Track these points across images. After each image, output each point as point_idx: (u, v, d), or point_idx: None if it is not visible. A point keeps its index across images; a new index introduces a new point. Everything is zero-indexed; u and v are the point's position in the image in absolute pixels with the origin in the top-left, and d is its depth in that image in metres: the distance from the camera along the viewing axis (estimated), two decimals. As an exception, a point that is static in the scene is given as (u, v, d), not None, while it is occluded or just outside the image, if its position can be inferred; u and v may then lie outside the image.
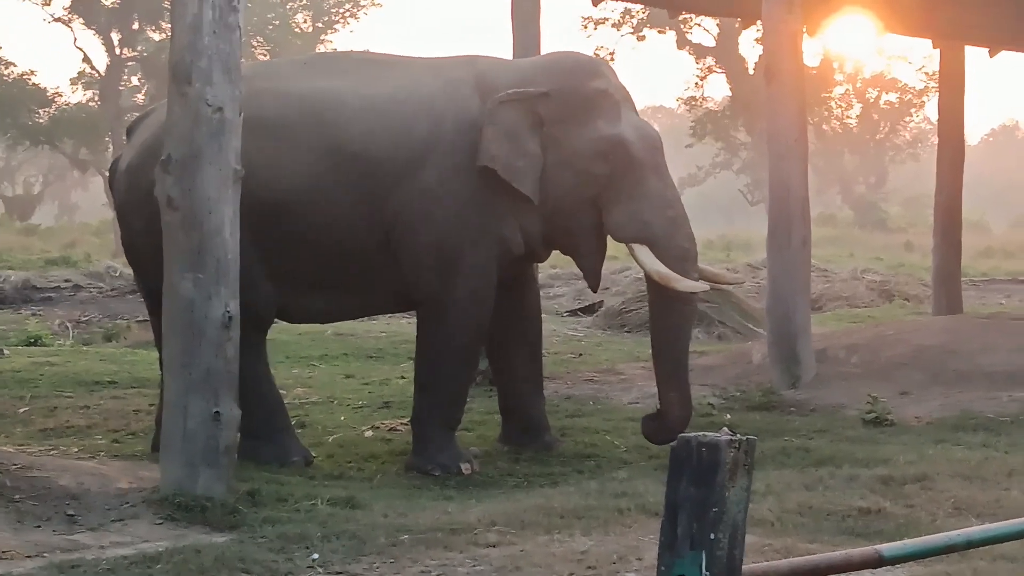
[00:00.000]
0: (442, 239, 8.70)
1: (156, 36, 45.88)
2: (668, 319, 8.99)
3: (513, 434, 9.48)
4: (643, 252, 8.82)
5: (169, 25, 7.79)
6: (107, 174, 9.57)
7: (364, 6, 53.36)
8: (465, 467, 8.68)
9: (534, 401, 9.52)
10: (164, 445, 7.26)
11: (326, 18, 53.62)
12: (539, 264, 10.29)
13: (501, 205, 8.75)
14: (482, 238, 8.76)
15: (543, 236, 8.96)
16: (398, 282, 8.86)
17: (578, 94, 8.88)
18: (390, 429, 9.91)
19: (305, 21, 53.50)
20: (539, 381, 9.64)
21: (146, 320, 17.13)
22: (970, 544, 3.60)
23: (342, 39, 54.66)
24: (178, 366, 7.18)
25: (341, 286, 8.97)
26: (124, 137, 9.74)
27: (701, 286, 8.94)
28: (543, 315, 9.99)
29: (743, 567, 2.89)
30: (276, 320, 9.33)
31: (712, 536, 2.81)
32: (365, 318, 14.96)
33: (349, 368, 13.57)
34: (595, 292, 10.46)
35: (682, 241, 8.88)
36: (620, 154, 8.81)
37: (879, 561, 3.29)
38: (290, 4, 52.99)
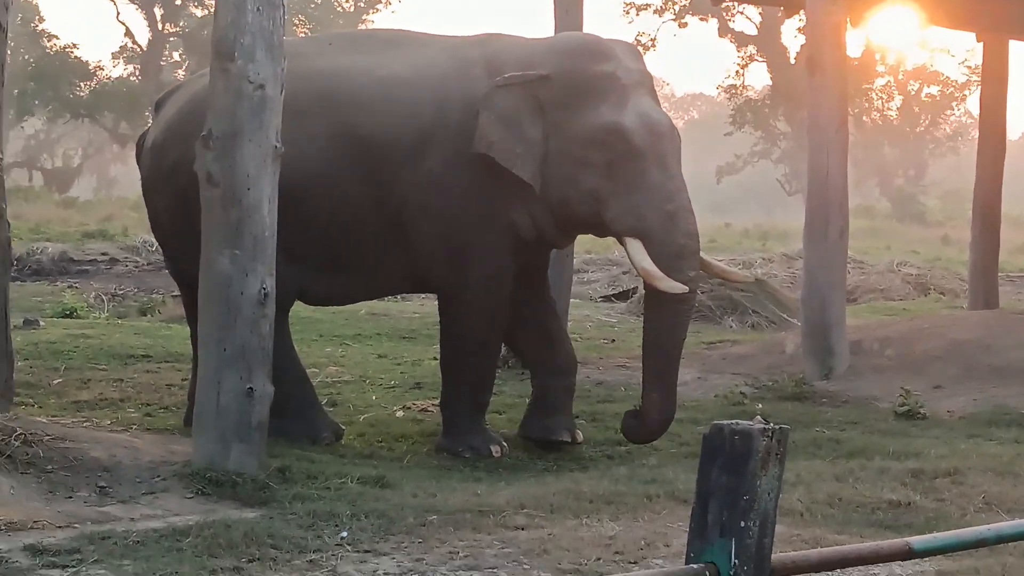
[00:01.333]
0: (448, 227, 8.61)
1: (198, 12, 46.06)
2: (660, 316, 8.60)
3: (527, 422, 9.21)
4: (634, 247, 8.43)
5: (212, 1, 7.80)
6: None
7: (406, -14, 53.35)
8: (495, 449, 8.64)
9: (545, 378, 9.13)
10: (197, 419, 7.29)
11: (369, -3, 53.62)
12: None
13: (507, 190, 8.52)
14: (489, 225, 8.61)
15: (554, 223, 8.70)
16: (411, 266, 8.82)
17: (581, 77, 8.53)
18: (421, 410, 9.93)
19: (347, 0, 53.50)
20: (557, 362, 9.19)
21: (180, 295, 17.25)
22: (1000, 539, 3.60)
23: (384, 18, 54.72)
24: (213, 341, 7.21)
25: (354, 268, 8.94)
26: (152, 112, 9.75)
27: (681, 288, 8.32)
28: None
29: (772, 556, 2.88)
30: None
31: (742, 524, 2.81)
32: (388, 299, 14.95)
33: (382, 348, 13.59)
34: None
35: (678, 237, 8.41)
36: (619, 143, 8.42)
37: (909, 553, 3.29)
38: (333, -18, 53.01)
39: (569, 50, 8.74)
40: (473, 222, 8.59)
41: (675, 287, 8.29)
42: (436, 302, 9.34)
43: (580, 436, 9.08)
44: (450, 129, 8.56)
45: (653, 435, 8.70)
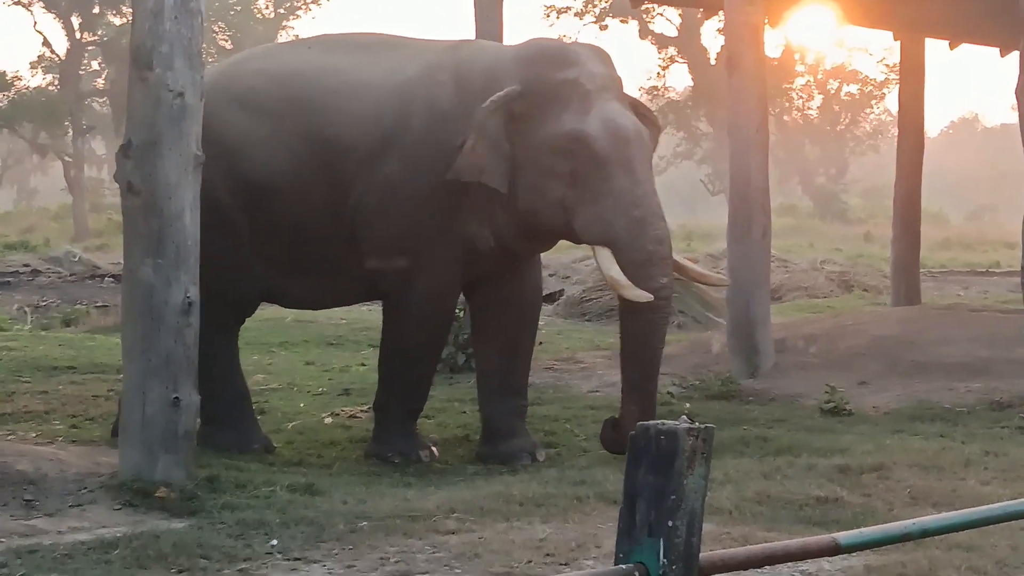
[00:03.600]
0: (400, 236, 8.44)
1: (117, 20, 45.70)
2: (633, 326, 8.44)
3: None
4: (603, 255, 8.27)
5: (130, 10, 7.74)
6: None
7: (326, -8, 53.21)
8: (424, 454, 8.58)
9: (491, 400, 8.90)
10: (123, 431, 7.23)
11: (288, 4, 53.42)
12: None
13: (468, 201, 8.36)
14: (443, 235, 8.43)
15: (520, 233, 8.50)
16: (369, 271, 8.69)
17: (544, 86, 8.32)
18: (350, 416, 9.90)
19: (267, 7, 53.31)
20: (508, 380, 8.94)
21: (105, 305, 17.13)
22: (926, 533, 3.63)
23: (304, 25, 54.53)
24: (137, 352, 7.15)
25: (322, 273, 8.87)
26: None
27: (645, 296, 8.09)
28: None
29: (700, 555, 2.89)
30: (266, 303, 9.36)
31: (670, 524, 2.82)
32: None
33: (309, 355, 13.55)
34: None
35: (646, 244, 8.22)
36: (582, 150, 8.21)
37: (836, 549, 3.31)
38: (252, -10, 52.78)
39: (531, 58, 8.48)
40: (427, 232, 8.41)
41: (640, 296, 8.10)
42: (364, 308, 9.33)
43: (542, 455, 8.77)
44: (411, 135, 8.41)
45: None
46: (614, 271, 8.17)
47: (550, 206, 8.32)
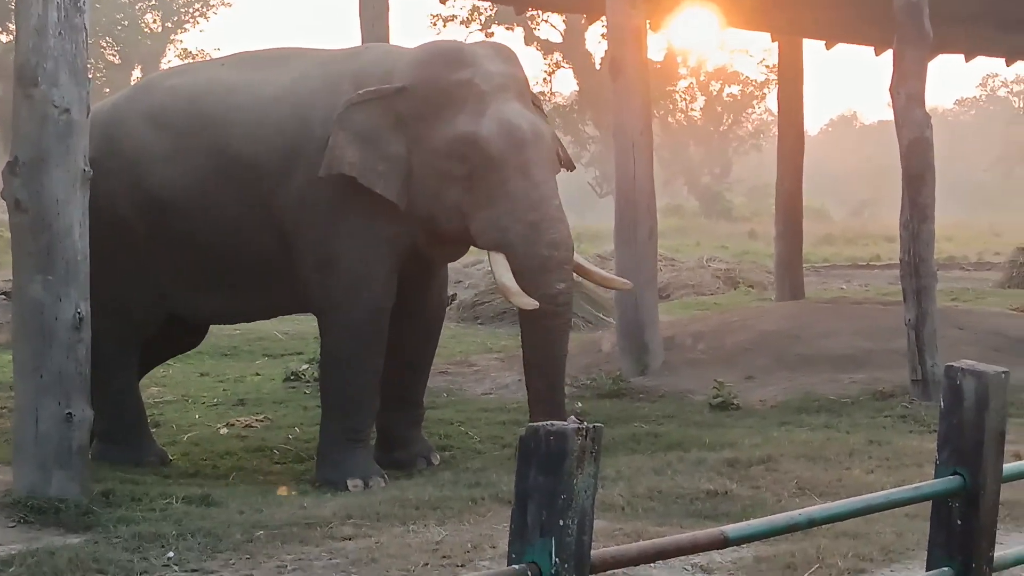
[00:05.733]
0: (317, 246, 8.18)
1: (3, 37, 45.02)
2: (531, 334, 8.12)
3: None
4: (497, 261, 7.97)
5: (15, 27, 7.64)
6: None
7: (214, 6, 52.91)
8: (378, 481, 8.04)
9: (389, 409, 8.54)
10: (16, 448, 7.15)
11: (176, 18, 53.02)
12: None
13: (375, 205, 8.01)
14: (359, 242, 8.12)
15: (425, 239, 8.22)
16: (295, 283, 8.39)
17: (437, 87, 8.02)
18: (245, 426, 9.84)
19: (155, 21, 52.88)
20: (407, 393, 8.75)
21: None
22: (812, 523, 3.66)
23: (192, 39, 54.19)
24: (29, 369, 7.06)
25: (238, 286, 8.64)
26: None
27: (531, 303, 7.81)
28: None
29: (592, 552, 2.90)
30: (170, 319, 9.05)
31: (561, 523, 2.83)
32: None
33: (203, 366, 13.41)
34: None
35: (541, 249, 7.89)
36: (476, 153, 7.91)
37: (724, 542, 3.34)
38: (139, 4, 52.31)
39: (426, 59, 8.19)
40: (341, 237, 8.13)
41: (528, 303, 7.84)
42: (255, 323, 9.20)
43: (437, 458, 8.67)
44: (313, 144, 8.08)
45: None
46: (506, 277, 7.93)
47: (447, 211, 8.04)
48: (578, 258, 8.28)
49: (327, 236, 8.17)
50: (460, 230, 8.10)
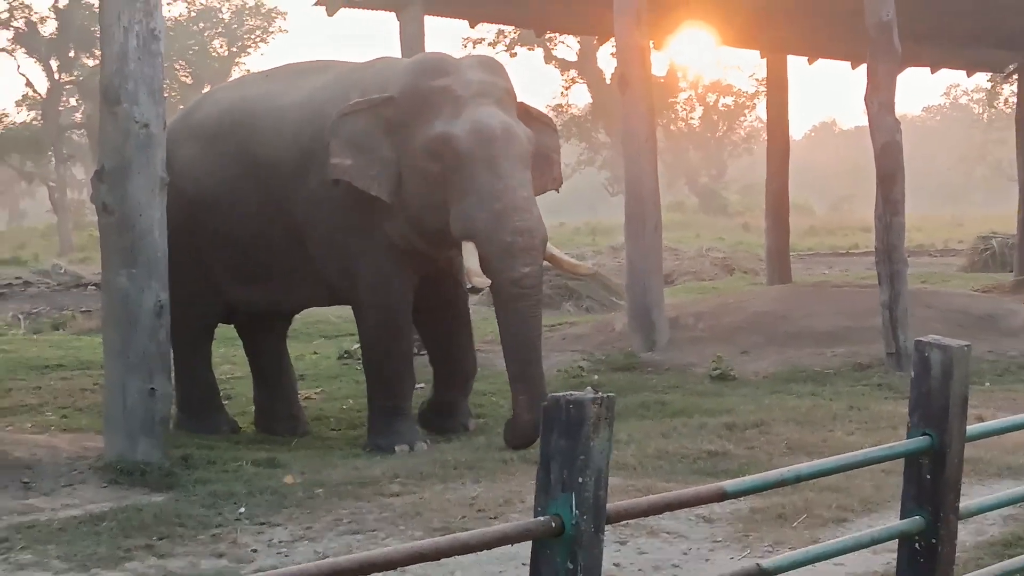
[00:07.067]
0: (332, 242, 8.12)
1: (90, 62, 45.08)
2: (504, 317, 7.77)
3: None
4: (466, 249, 7.68)
5: (100, 53, 7.66)
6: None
7: (272, 32, 52.78)
8: (421, 445, 7.90)
9: (443, 382, 8.58)
10: (106, 419, 7.19)
11: (240, 43, 52.96)
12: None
13: (376, 205, 7.87)
14: (368, 235, 7.98)
15: (419, 236, 7.98)
16: (319, 276, 8.34)
17: (419, 95, 7.78)
18: (305, 398, 9.85)
19: (222, 46, 52.81)
20: (453, 371, 8.58)
21: (88, 310, 16.90)
22: (800, 478, 3.66)
23: (255, 61, 54.11)
24: (117, 350, 7.11)
25: (273, 279, 8.57)
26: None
27: (486, 282, 7.63)
28: None
29: (608, 505, 2.91)
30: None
31: (580, 480, 2.82)
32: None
33: (268, 346, 13.39)
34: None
35: (504, 235, 7.51)
36: (447, 152, 7.63)
37: (723, 496, 3.33)
38: (208, 32, 52.29)
39: (413, 70, 7.99)
40: (353, 234, 8.04)
41: (482, 283, 7.68)
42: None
43: (474, 424, 8.62)
44: (325, 149, 7.88)
45: (526, 440, 7.42)
46: (471, 262, 7.61)
47: (432, 209, 7.78)
48: (550, 247, 7.93)
49: (342, 233, 8.06)
50: (445, 225, 7.77)
